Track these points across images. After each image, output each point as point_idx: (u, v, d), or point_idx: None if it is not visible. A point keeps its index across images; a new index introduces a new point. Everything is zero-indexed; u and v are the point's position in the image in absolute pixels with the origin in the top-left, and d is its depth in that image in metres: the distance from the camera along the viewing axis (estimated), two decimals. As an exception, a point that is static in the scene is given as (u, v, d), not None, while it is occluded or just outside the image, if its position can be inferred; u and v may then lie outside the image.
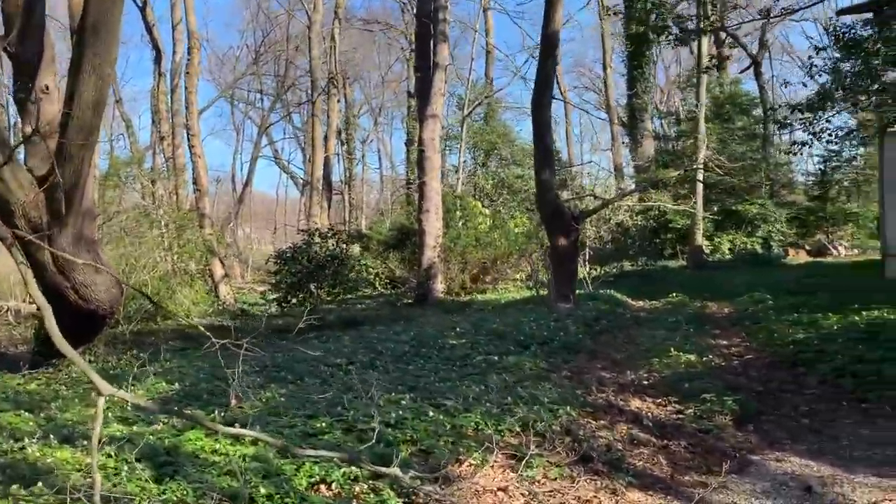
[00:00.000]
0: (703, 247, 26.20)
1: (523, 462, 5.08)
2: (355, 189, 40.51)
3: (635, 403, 6.93)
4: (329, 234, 16.18)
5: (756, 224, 28.65)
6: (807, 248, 29.38)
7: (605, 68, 38.21)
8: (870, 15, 13.06)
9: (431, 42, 18.47)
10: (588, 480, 4.92)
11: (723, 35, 34.16)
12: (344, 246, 16.62)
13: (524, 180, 26.28)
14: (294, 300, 15.48)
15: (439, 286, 18.46)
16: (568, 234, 14.54)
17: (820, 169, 33.58)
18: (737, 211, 28.28)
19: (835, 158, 33.75)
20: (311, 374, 8.79)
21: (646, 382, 7.94)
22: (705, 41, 26.03)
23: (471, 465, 5.26)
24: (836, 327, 9.05)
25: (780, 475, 4.99)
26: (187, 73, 22.29)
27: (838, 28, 9.56)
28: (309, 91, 50.61)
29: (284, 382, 8.24)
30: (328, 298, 16.95)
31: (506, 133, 30.28)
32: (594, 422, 6.30)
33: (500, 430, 5.92)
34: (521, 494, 4.77)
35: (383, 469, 4.59)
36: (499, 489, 4.87)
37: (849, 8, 17.42)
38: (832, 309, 11.07)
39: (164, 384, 8.15)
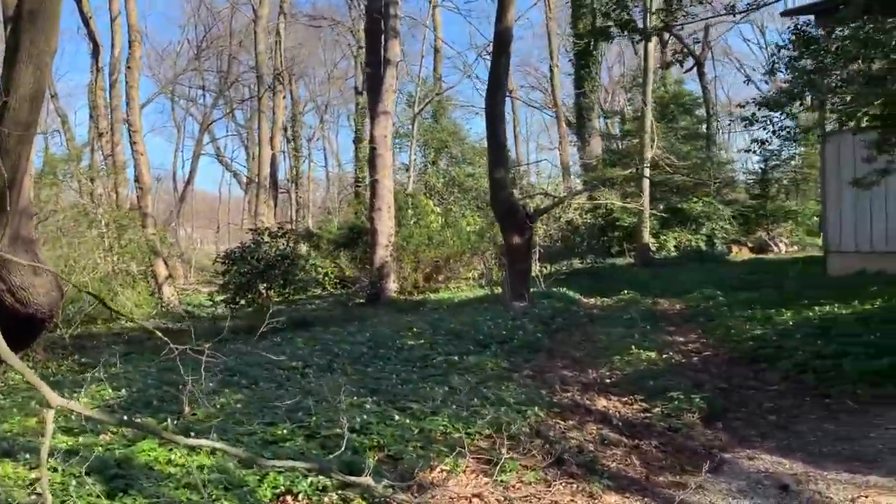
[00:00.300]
0: (650, 244, 26.57)
1: (497, 467, 4.94)
2: (302, 187, 39.83)
3: (601, 402, 6.86)
4: (279, 233, 15.79)
5: (700, 222, 29.22)
6: (749, 245, 30.08)
7: (551, 67, 38.47)
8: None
9: (382, 38, 18.21)
10: (564, 484, 4.80)
11: (666, 35, 34.85)
12: (294, 245, 16.26)
13: (475, 179, 26.21)
14: (243, 301, 15.04)
15: (392, 285, 18.24)
16: (522, 232, 14.50)
17: (761, 168, 34.47)
18: (682, 209, 28.78)
19: (774, 158, 34.76)
20: (266, 378, 8.48)
21: (609, 381, 7.90)
22: (652, 41, 26.37)
23: (442, 470, 5.10)
24: (791, 323, 9.19)
25: (753, 474, 4.96)
26: (128, 67, 21.49)
27: (798, 26, 9.71)
28: (252, 87, 49.82)
29: (239, 387, 7.93)
30: (278, 299, 16.56)
31: (456, 131, 30.18)
32: (563, 422, 6.20)
33: (470, 433, 5.77)
34: (497, 500, 4.62)
35: (355, 478, 4.39)
36: (473, 496, 4.72)
37: (792, 10, 17.90)
38: (783, 305, 11.29)
39: (109, 391, 7.73)
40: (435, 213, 21.75)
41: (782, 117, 10.39)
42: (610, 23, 15.29)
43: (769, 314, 10.19)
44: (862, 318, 8.82)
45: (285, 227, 17.76)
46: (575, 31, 30.93)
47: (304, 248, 17.75)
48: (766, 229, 32.40)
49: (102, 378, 9.37)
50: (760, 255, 28.01)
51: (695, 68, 36.83)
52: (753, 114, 7.23)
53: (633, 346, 8.99)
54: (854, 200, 16.66)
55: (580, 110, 31.79)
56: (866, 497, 4.37)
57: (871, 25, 7.50)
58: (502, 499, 4.62)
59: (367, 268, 19.24)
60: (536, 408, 6.32)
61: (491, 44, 36.78)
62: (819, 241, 31.27)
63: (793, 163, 33.73)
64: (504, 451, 5.31)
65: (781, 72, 9.45)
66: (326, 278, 21.61)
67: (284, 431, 5.84)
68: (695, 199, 29.40)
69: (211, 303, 17.06)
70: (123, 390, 7.77)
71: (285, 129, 37.69)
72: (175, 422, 6.35)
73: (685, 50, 31.91)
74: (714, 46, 40.80)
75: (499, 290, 15.21)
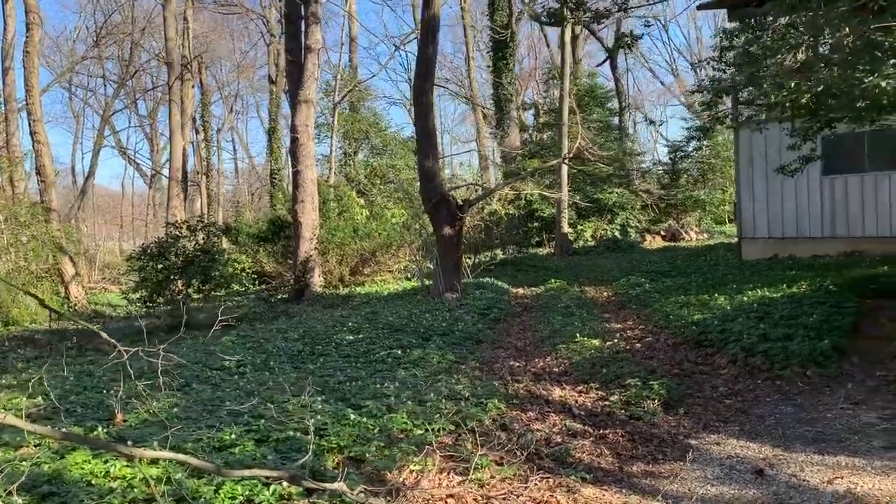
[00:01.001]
0: (569, 234, 27.00)
1: (470, 464, 4.71)
2: (212, 180, 38.38)
3: (557, 392, 6.74)
4: (198, 227, 15.00)
5: (615, 212, 29.96)
6: (661, 233, 31.02)
7: (468, 59, 38.50)
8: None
9: (302, 24, 17.61)
10: (540, 479, 4.62)
11: (579, 29, 35.49)
12: (215, 240, 15.51)
13: (398, 170, 25.89)
14: (161, 299, 14.22)
15: (317, 279, 17.73)
16: (453, 223, 14.33)
17: (670, 159, 35.65)
18: (597, 199, 29.39)
19: (682, 149, 36.01)
20: (197, 380, 8.01)
21: (557, 370, 7.82)
22: (567, 32, 26.70)
23: (412, 471, 4.83)
24: (728, 308, 9.36)
25: (725, 459, 4.93)
26: (26, 52, 19.93)
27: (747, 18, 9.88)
28: (156, 77, 47.70)
29: (169, 390, 7.39)
30: (197, 296, 15.78)
31: (376, 121, 29.73)
32: (524, 414, 6.04)
33: (433, 429, 5.53)
34: (475, 500, 4.40)
35: (328, 485, 4.07)
36: (449, 496, 4.47)
37: (708, 3, 18.40)
38: (713, 290, 11.54)
39: (24, 399, 7.06)
40: (359, 205, 21.29)
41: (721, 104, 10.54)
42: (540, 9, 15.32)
43: (703, 299, 10.37)
44: (794, 301, 9.07)
45: (205, 220, 16.91)
46: (493, 22, 30.96)
47: (223, 242, 16.97)
48: (675, 218, 33.53)
49: (12, 384, 8.65)
50: (673, 244, 28.93)
51: (607, 62, 37.65)
52: (712, 98, 7.23)
53: (578, 335, 8.94)
54: (766, 189, 17.35)
55: (498, 102, 31.91)
56: (842, 478, 4.40)
57: (805, 15, 7.66)
58: (481, 498, 4.40)
59: (290, 262, 18.63)
60: (496, 400, 6.13)
61: (409, 34, 36.49)
62: (727, 229, 32.70)
63: (699, 153, 34.99)
64: (472, 446, 5.11)
65: (714, 62, 9.58)
66: (244, 274, 20.82)
67: (232, 436, 5.43)
68: (609, 190, 30.09)
69: (126, 301, 16.07)
70: (40, 398, 7.11)
71: (194, 120, 36.15)
72: (106, 430, 5.84)
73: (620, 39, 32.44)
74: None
75: (428, 282, 15.00)
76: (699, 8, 17.69)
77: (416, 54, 14.90)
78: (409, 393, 6.55)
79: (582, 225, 29.23)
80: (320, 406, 6.07)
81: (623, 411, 6.01)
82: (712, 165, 34.31)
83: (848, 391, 6.27)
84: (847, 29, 6.05)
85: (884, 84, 5.17)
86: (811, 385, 6.50)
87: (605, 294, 14.54)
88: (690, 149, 35.28)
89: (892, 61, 5.43)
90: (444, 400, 6.20)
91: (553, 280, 17.13)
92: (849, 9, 6.05)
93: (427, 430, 5.53)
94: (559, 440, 5.39)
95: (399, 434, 5.46)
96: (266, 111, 38.95)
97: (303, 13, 17.55)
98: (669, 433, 5.53)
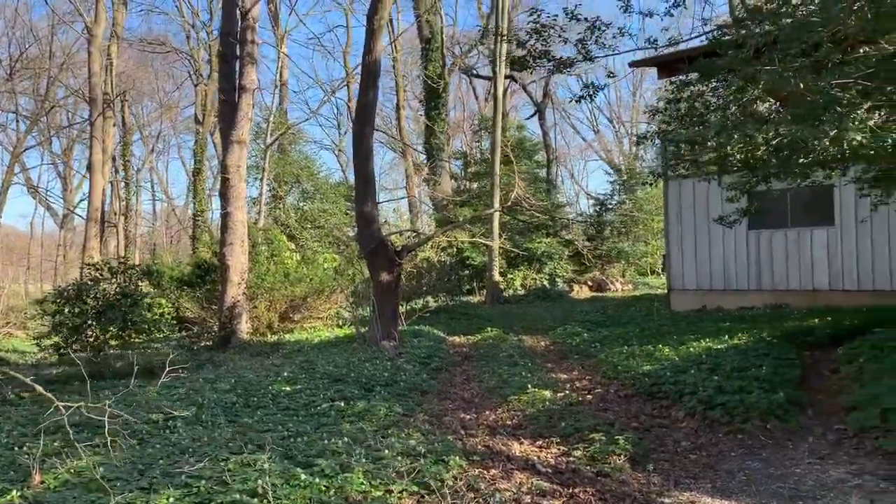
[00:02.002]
0: (499, 283, 27.02)
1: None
2: (130, 221, 36.80)
3: (517, 447, 6.44)
4: (119, 269, 14.12)
5: (543, 261, 30.26)
6: (589, 283, 31.45)
7: (398, 108, 38.69)
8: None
9: (237, 64, 17.19)
10: (517, 545, 4.29)
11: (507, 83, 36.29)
12: (137, 283, 14.63)
13: (329, 214, 25.40)
14: (76, 345, 13.22)
15: (244, 326, 16.95)
16: (391, 269, 14.00)
17: (595, 211, 36.47)
18: (528, 248, 29.65)
19: (607, 202, 36.97)
20: (121, 434, 7.31)
21: (511, 423, 7.52)
22: (501, 85, 27.16)
23: (377, 539, 4.42)
24: (676, 358, 9.32)
25: (704, 519, 4.72)
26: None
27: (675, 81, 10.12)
28: (71, 114, 45.84)
29: (90, 446, 6.71)
30: (114, 343, 14.79)
31: (308, 165, 29.26)
32: (486, 472, 5.70)
33: (393, 491, 5.12)
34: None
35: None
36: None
37: (640, 61, 19.00)
38: (653, 340, 11.56)
39: None
40: (290, 249, 20.68)
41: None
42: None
43: (648, 350, 10.33)
44: (740, 353, 9.12)
45: (126, 262, 15.98)
46: (426, 71, 31.24)
47: (145, 286, 16.04)
48: (601, 269, 34.15)
49: None
50: (600, 294, 29.35)
51: (536, 115, 38.51)
52: (680, 148, 7.24)
53: (529, 386, 8.69)
54: (694, 241, 17.79)
55: (430, 150, 32.02)
56: (829, 538, 4.24)
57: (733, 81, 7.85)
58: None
59: (216, 307, 17.79)
60: (457, 457, 5.77)
61: (341, 81, 36.38)
62: (650, 280, 33.48)
63: (623, 207, 35.94)
64: (438, 510, 4.74)
65: (660, 113, 9.76)
66: (162, 319, 19.80)
67: (171, 500, 4.89)
68: (538, 240, 30.43)
69: (38, 347, 14.90)
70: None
71: (113, 159, 34.76)
72: (20, 494, 5.21)
73: (540, 96, 33.24)
74: (552, 95, 42.90)
75: (364, 329, 14.52)
76: (631, 65, 18.23)
77: (357, 99, 14.71)
78: (360, 449, 6.12)
79: (512, 273, 29.36)
80: (266, 465, 5.56)
81: (589, 468, 5.74)
82: (635, 218, 35.22)
83: (811, 445, 6.21)
84: (802, 85, 6.17)
85: (859, 137, 5.25)
86: (773, 439, 6.42)
87: (543, 343, 14.40)
88: (614, 202, 36.28)
89: (855, 114, 5.54)
90: (399, 457, 5.80)
91: (489, 328, 16.92)
92: (808, 64, 6.20)
93: (387, 491, 5.12)
94: (529, 500, 5.07)
95: (358, 497, 5.03)
96: (189, 152, 37.92)
97: (238, 53, 17.14)
98: (641, 491, 5.29)
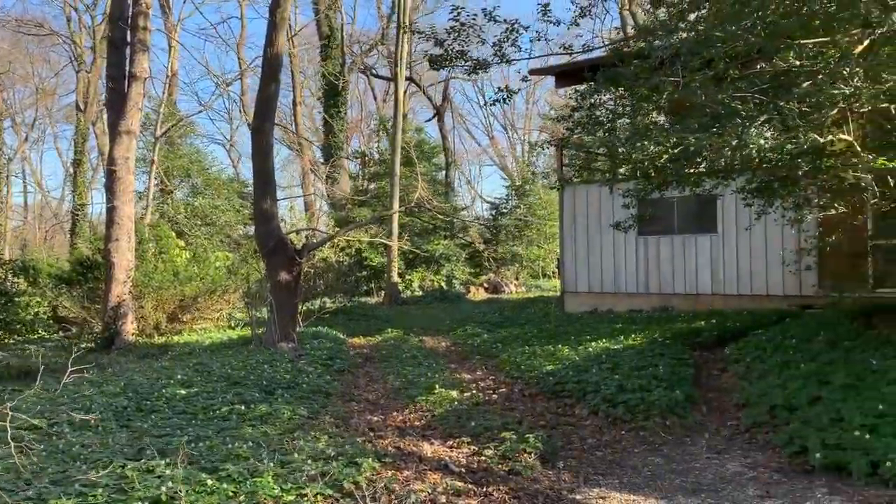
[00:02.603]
0: (398, 284, 26.99)
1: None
2: (1, 214, 34.19)
3: (428, 448, 6.40)
4: (-7, 265, 13.07)
5: (441, 263, 30.49)
6: (484, 285, 31.92)
7: (295, 104, 37.93)
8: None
9: (128, 51, 16.31)
10: (436, 547, 4.25)
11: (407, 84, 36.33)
12: (14, 280, 13.57)
13: (221, 211, 24.52)
14: (-60, 347, 12.13)
15: (130, 327, 16.09)
16: (291, 268, 13.68)
17: (491, 215, 37.12)
18: (427, 250, 29.80)
19: (502, 206, 37.70)
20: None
21: (420, 423, 7.49)
22: (402, 86, 27.15)
23: (291, 546, 4.26)
24: (577, 358, 9.57)
25: (616, 514, 4.84)
26: None
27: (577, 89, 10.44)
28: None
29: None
30: (-16, 344, 13.69)
31: (199, 160, 28.14)
32: (399, 474, 5.63)
33: (305, 494, 4.97)
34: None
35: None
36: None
37: (539, 70, 19.46)
38: (553, 340, 11.84)
39: None
40: (180, 246, 19.80)
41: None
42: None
43: (549, 350, 10.57)
44: (637, 353, 9.48)
45: (3, 257, 14.78)
46: (324, 69, 30.79)
47: (21, 283, 14.91)
48: (495, 271, 34.77)
49: None
50: (496, 295, 29.82)
51: (435, 118, 38.73)
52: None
53: (437, 386, 8.69)
54: (587, 246, 18.37)
55: (328, 149, 31.57)
56: (734, 528, 4.45)
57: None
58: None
59: (99, 307, 16.80)
60: (370, 459, 5.67)
61: (236, 74, 35.23)
62: (543, 283, 34.35)
63: (518, 211, 36.73)
64: (354, 513, 4.64)
65: (564, 120, 10.02)
66: (38, 319, 18.52)
67: (63, 512, 4.55)
68: (437, 242, 30.63)
69: None
70: None
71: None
72: None
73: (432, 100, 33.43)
74: (451, 99, 43.28)
75: (260, 330, 14.10)
76: (531, 73, 18.62)
77: (257, 93, 14.28)
78: (266, 453, 5.91)
79: (410, 275, 29.40)
80: (167, 471, 5.27)
81: (501, 466, 5.78)
82: (528, 223, 36.05)
83: (708, 441, 6.52)
84: (704, 96, 6.48)
85: (762, 141, 5.56)
86: (673, 435, 6.70)
87: (444, 344, 14.46)
88: (509, 206, 37.05)
89: (757, 123, 5.88)
90: (309, 460, 5.64)
91: (389, 329, 16.84)
92: (709, 77, 6.52)
93: (301, 495, 4.97)
94: (444, 500, 5.05)
95: (269, 502, 4.84)
96: (66, 142, 35.67)
97: (129, 39, 16.27)
98: (552, 489, 5.37)
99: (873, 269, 12.74)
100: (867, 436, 5.41)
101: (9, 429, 3.45)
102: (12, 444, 5.12)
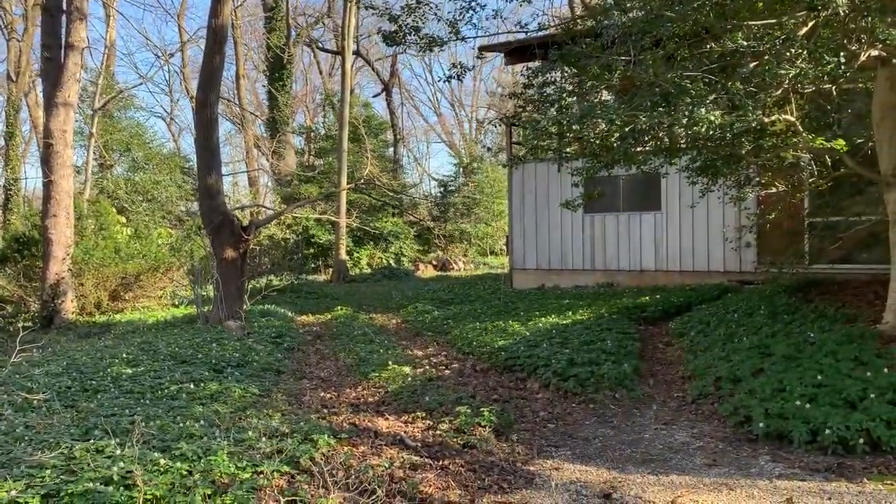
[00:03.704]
0: (346, 261, 26.84)
1: (319, 510, 4.23)
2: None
3: (383, 423, 6.43)
4: (-78, 242, 12.45)
5: (390, 241, 30.41)
6: (433, 263, 31.99)
7: (237, 77, 37.06)
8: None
9: (64, 19, 15.65)
10: (395, 520, 4.28)
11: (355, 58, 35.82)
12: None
13: (163, 187, 23.87)
14: None
15: (69, 305, 15.63)
16: (237, 245, 13.48)
17: (440, 192, 37.13)
18: (376, 227, 29.67)
19: (450, 184, 37.74)
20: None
21: (373, 399, 7.50)
22: (349, 60, 26.77)
23: (251, 522, 4.23)
24: (527, 333, 9.69)
25: (569, 485, 4.95)
26: None
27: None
28: None
29: None
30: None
31: (139, 133, 27.28)
32: (355, 449, 5.64)
33: (262, 471, 4.93)
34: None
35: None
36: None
37: (488, 46, 19.42)
38: (503, 316, 11.97)
39: None
40: (120, 223, 19.24)
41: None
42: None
43: (499, 326, 10.68)
44: (586, 328, 9.66)
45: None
46: (269, 42, 30.13)
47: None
48: (443, 249, 34.89)
49: None
50: (444, 273, 29.93)
51: (383, 93, 38.34)
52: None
53: (389, 363, 8.70)
54: (535, 223, 18.58)
55: (273, 123, 31.00)
56: (683, 497, 4.60)
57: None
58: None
59: (36, 285, 16.27)
60: (326, 435, 5.66)
61: (176, 45, 34.15)
62: (490, 260, 34.61)
63: (466, 189, 36.84)
64: (311, 489, 4.64)
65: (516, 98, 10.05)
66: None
67: (11, 493, 4.43)
68: (385, 219, 30.51)
69: None
70: None
71: None
72: None
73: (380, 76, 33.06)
74: (399, 75, 42.91)
75: (207, 308, 13.86)
76: (481, 49, 18.60)
77: (202, 64, 13.90)
78: (219, 432, 5.85)
79: (358, 252, 29.25)
80: (117, 451, 5.17)
81: (456, 440, 5.85)
82: (477, 200, 36.20)
83: (655, 412, 6.71)
84: (655, 75, 6.59)
85: (713, 118, 5.69)
86: (622, 407, 6.87)
87: (395, 321, 14.47)
88: (457, 184, 37.12)
89: (706, 101, 6.01)
90: (263, 438, 5.61)
91: (338, 307, 16.76)
92: (661, 58, 6.62)
93: (256, 472, 4.93)
94: (402, 475, 5.08)
95: (225, 480, 4.80)
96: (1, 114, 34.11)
97: (65, 7, 15.61)
98: (507, 461, 5.46)
99: (810, 245, 13.20)
100: (807, 405, 5.64)
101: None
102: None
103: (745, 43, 6.50)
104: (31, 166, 45.85)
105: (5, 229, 23.84)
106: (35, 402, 7.27)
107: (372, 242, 29.63)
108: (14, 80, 29.46)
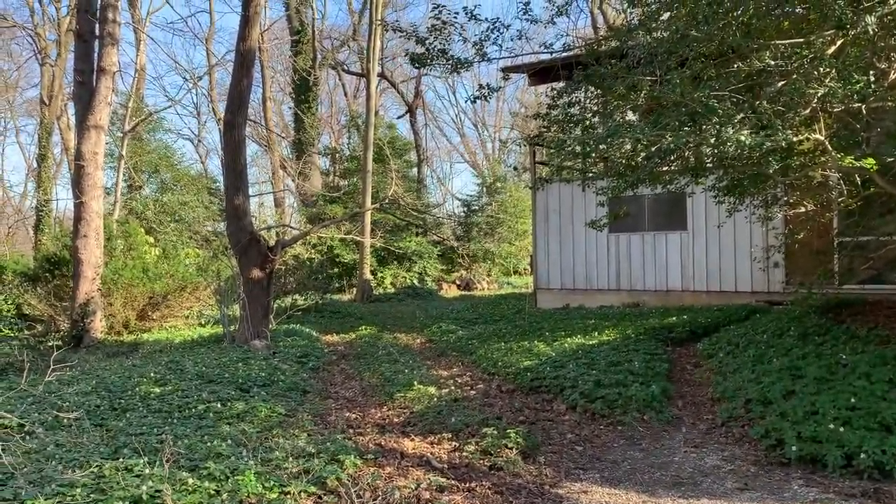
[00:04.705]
0: (370, 281, 26.90)
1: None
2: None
3: (409, 444, 6.41)
4: (-43, 262, 12.71)
5: (413, 260, 30.47)
6: (457, 282, 31.96)
7: (264, 100, 37.59)
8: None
9: (96, 44, 16.01)
10: (423, 542, 4.25)
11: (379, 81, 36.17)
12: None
13: (190, 208, 24.19)
14: None
15: (99, 324, 15.83)
16: (263, 265, 13.59)
17: (463, 212, 37.17)
18: (399, 246, 29.74)
19: (473, 203, 37.79)
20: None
21: (399, 420, 7.48)
22: (374, 81, 27.03)
23: (278, 543, 4.23)
24: (553, 354, 9.63)
25: (598, 508, 4.89)
26: None
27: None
28: None
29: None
30: (-54, 343, 13.35)
31: (167, 155, 27.73)
32: (381, 470, 5.63)
33: (289, 492, 4.94)
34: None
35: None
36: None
37: (512, 67, 19.51)
38: (528, 336, 11.91)
39: None
40: (149, 243, 19.51)
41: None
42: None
43: (524, 346, 10.63)
44: (613, 348, 9.57)
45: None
46: (296, 64, 30.54)
47: (-15, 280, 14.59)
48: (467, 268, 34.85)
49: None
50: (468, 292, 29.90)
51: (407, 115, 38.62)
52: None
53: (415, 383, 8.69)
54: (559, 243, 18.52)
55: (299, 145, 31.33)
56: (714, 520, 4.52)
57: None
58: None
59: (66, 305, 16.50)
60: (352, 456, 5.66)
61: (204, 69, 34.71)
62: (514, 280, 34.50)
63: (490, 208, 36.85)
64: (338, 510, 4.63)
65: (540, 118, 10.05)
66: (2, 316, 18.14)
67: (43, 512, 4.47)
68: (409, 238, 30.60)
69: None
70: None
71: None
72: None
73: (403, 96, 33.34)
74: (423, 96, 43.24)
75: (233, 328, 13.97)
76: (504, 70, 18.68)
77: (230, 87, 14.15)
78: (246, 451, 5.87)
79: (382, 272, 29.33)
80: (146, 470, 5.21)
81: (483, 462, 5.82)
82: (500, 220, 36.16)
83: (685, 435, 6.61)
84: (680, 95, 6.56)
85: (743, 138, 5.65)
86: (650, 429, 6.79)
87: (419, 340, 14.46)
88: (480, 204, 37.16)
89: (734, 121, 5.98)
90: (290, 458, 5.62)
91: (363, 326, 16.80)
92: (687, 78, 6.61)
93: (283, 492, 4.94)
94: (428, 496, 5.06)
95: (252, 500, 4.81)
96: (28, 137, 34.88)
97: (98, 32, 15.97)
98: (535, 483, 5.41)
99: (839, 265, 13.00)
100: (841, 428, 5.54)
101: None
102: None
103: (773, 62, 6.47)
104: (62, 188, 46.76)
105: (37, 249, 24.28)
106: (65, 420, 7.36)
107: (396, 262, 29.71)
108: (47, 103, 30.16)
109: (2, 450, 6.25)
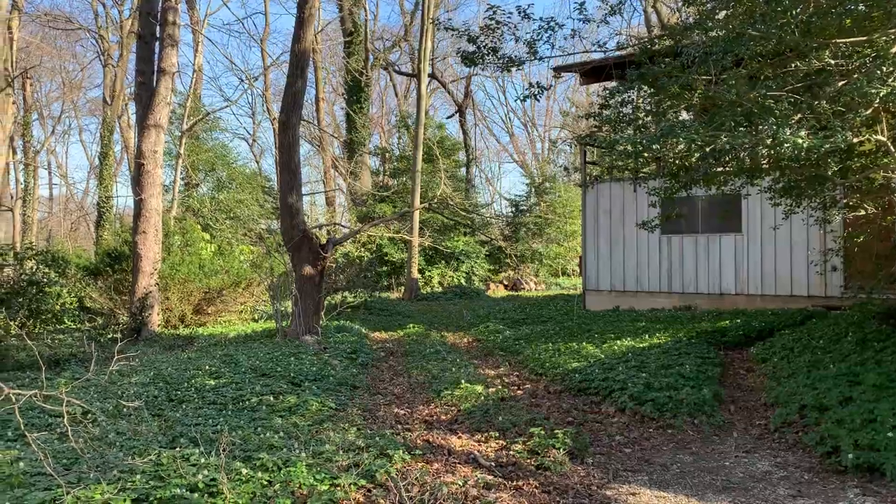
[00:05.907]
0: (418, 280, 27.10)
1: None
2: (28, 205, 34.67)
3: (457, 442, 6.46)
4: (27, 255, 13.26)
5: (461, 259, 30.55)
6: (504, 282, 31.94)
7: (318, 100, 38.11)
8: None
9: (157, 45, 16.50)
10: (471, 538, 4.30)
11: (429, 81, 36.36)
12: (47, 270, 13.77)
13: (245, 205, 24.75)
14: (-27, 335, 12.36)
15: (156, 318, 16.30)
16: (315, 263, 13.81)
17: (511, 212, 37.11)
18: (447, 246, 29.87)
19: (522, 203, 37.67)
20: (35, 427, 6.90)
21: (446, 417, 7.55)
22: (424, 82, 27.20)
23: (330, 535, 4.33)
24: (602, 356, 9.57)
25: (647, 510, 4.87)
26: None
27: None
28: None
29: (4, 441, 6.37)
30: (13, 333, 13.92)
31: (224, 154, 28.41)
32: (429, 466, 5.70)
33: (339, 484, 5.04)
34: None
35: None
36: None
37: (564, 66, 19.41)
38: (576, 338, 11.85)
39: None
40: (205, 239, 20.01)
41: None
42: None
43: (573, 348, 10.58)
44: (663, 351, 9.47)
45: (35, 248, 15.01)
46: (348, 65, 30.92)
47: (51, 274, 15.14)
48: (515, 269, 34.77)
49: None
50: (515, 293, 29.85)
51: (456, 115, 38.73)
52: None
53: (462, 381, 8.74)
54: (609, 244, 18.35)
55: (351, 145, 31.72)
56: (766, 526, 4.46)
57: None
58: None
59: (125, 298, 17.03)
60: (401, 451, 5.74)
61: (259, 70, 35.40)
62: (562, 281, 34.29)
63: (538, 209, 36.69)
64: (385, 503, 4.71)
65: (595, 116, 9.98)
66: (65, 309, 18.80)
67: (106, 496, 4.65)
68: (457, 238, 30.70)
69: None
70: None
71: (12, 139, 32.67)
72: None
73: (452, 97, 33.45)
74: (473, 96, 43.33)
75: (285, 323, 14.24)
76: (555, 70, 18.61)
77: (285, 87, 14.42)
78: (298, 444, 6.00)
79: (430, 271, 29.49)
80: (202, 459, 5.38)
81: (530, 461, 5.83)
82: (549, 221, 35.97)
83: (736, 440, 6.52)
84: (736, 94, 6.47)
85: (800, 140, 5.55)
86: (701, 434, 6.70)
87: (466, 340, 14.51)
88: (529, 204, 37.03)
89: (791, 121, 5.87)
90: (340, 451, 5.73)
91: (410, 325, 16.93)
92: (742, 75, 6.51)
93: (334, 485, 5.04)
94: (475, 493, 5.10)
95: (304, 491, 4.93)
96: (91, 135, 36.11)
97: (158, 34, 16.46)
98: (582, 484, 5.41)
99: (901, 270, 12.59)
100: (900, 437, 5.39)
101: (65, 414, 3.54)
102: (68, 427, 5.25)
103: (833, 61, 6.33)
104: (122, 185, 48.25)
105: (98, 245, 25.11)
106: (125, 409, 7.63)
107: (443, 261, 29.84)
108: (109, 103, 31.18)
109: (70, 435, 6.54)
